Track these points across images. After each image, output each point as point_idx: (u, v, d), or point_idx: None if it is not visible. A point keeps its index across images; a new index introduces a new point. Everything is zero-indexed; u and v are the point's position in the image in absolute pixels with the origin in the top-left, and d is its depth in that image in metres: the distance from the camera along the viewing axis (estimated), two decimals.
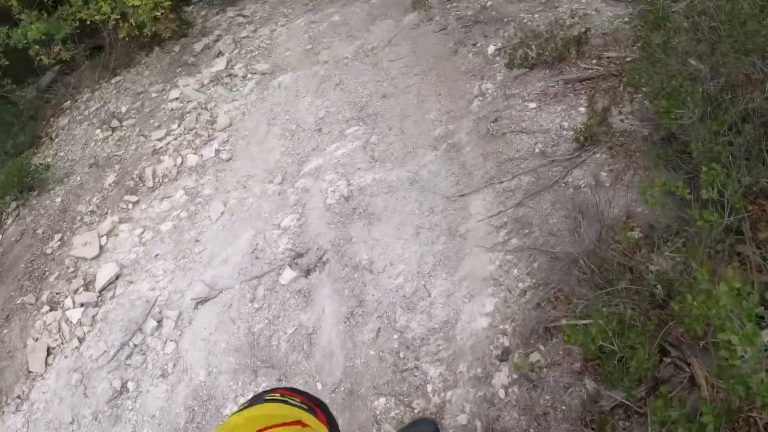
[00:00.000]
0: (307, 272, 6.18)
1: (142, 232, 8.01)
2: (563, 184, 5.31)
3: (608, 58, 6.51)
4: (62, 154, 10.48)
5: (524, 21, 8.27)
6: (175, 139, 9.58)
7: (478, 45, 8.30)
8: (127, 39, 11.26)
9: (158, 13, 10.61)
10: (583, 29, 6.80)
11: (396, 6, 10.50)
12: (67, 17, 11.34)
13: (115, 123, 10.30)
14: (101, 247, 8.13)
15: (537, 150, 5.85)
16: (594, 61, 6.53)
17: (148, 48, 12.52)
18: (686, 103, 4.45)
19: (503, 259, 5.28)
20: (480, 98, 7.29)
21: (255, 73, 10.67)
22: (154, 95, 11.02)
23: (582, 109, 6.02)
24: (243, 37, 12.04)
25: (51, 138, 11.37)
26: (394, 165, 6.97)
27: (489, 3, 8.92)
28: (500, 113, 6.61)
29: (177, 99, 10.50)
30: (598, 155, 5.29)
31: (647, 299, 4.05)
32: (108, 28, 11.39)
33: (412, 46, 9.02)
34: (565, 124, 5.99)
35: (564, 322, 4.38)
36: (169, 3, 10.72)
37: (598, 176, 5.12)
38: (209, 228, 7.54)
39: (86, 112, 11.26)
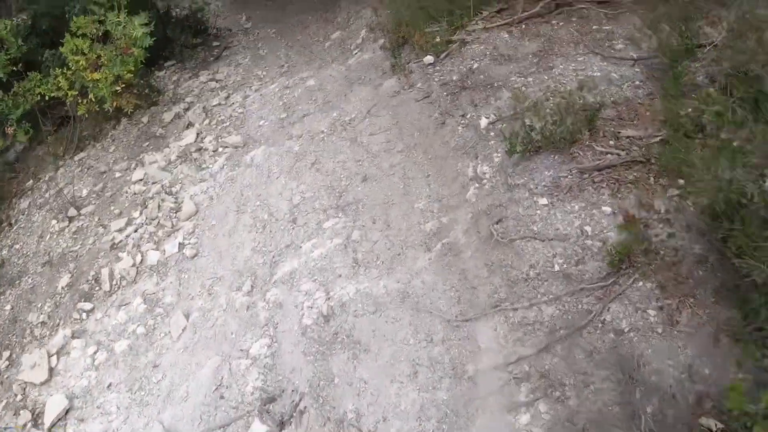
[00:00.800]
0: (281, 425, 4.74)
1: (95, 352, 6.53)
2: (599, 324, 3.87)
3: (628, 138, 5.17)
4: (18, 246, 8.98)
5: (517, 86, 6.97)
6: (136, 230, 8.12)
7: (468, 116, 6.91)
8: (86, 116, 9.89)
9: (118, 88, 9.25)
10: (596, 104, 5.48)
11: (373, 69, 9.19)
12: (25, 93, 9.98)
13: (72, 212, 8.81)
14: (51, 370, 6.62)
15: (557, 267, 4.43)
16: (611, 143, 5.17)
17: (115, 119, 11.13)
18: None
19: None
20: (476, 184, 5.92)
21: (226, 147, 9.30)
22: (117, 175, 9.60)
23: (606, 209, 4.64)
24: (215, 105, 10.67)
25: (10, 224, 9.89)
26: (380, 271, 5.56)
27: (475, 65, 7.55)
28: (504, 210, 5.23)
29: (141, 180, 9.09)
30: (640, 283, 3.93)
31: None
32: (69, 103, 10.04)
33: (393, 116, 7.64)
34: (588, 229, 4.60)
35: None
36: (131, 76, 9.37)
37: (646, 316, 3.76)
38: (169, 349, 6.08)
39: (47, 195, 9.78)
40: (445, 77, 7.69)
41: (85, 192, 9.48)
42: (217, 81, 11.75)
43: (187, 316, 6.27)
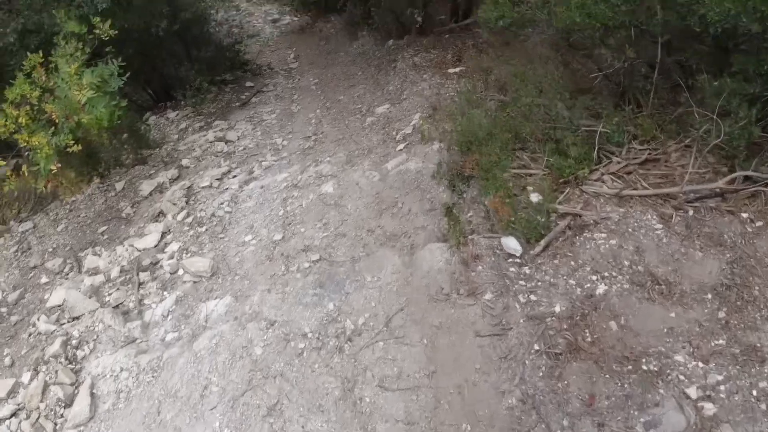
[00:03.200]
0: None
1: None
2: None
3: None
4: None
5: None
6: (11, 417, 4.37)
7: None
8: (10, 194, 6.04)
9: (53, 168, 5.36)
10: None
11: (417, 197, 4.96)
12: None
13: None
14: None
15: None
16: None
17: (87, 172, 7.30)
18: None
19: None
20: None
21: (185, 276, 5.37)
22: (42, 281, 5.79)
23: None
24: (204, 187, 6.67)
25: None
26: None
27: (600, 289, 3.26)
28: None
29: (56, 310, 5.26)
30: None
31: None
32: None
33: (429, 349, 3.35)
34: None
35: None
36: (76, 148, 5.44)
37: None
38: None
39: None
40: (539, 300, 3.36)
41: None
42: (226, 143, 7.76)
43: None
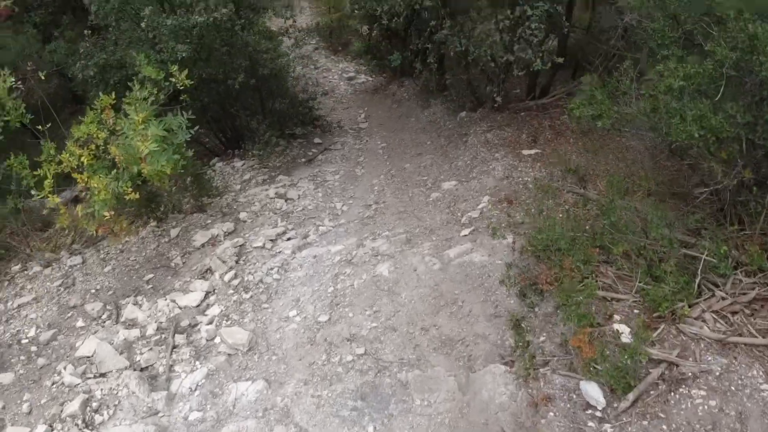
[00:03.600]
0: None
1: None
2: None
3: None
4: None
5: None
6: None
7: None
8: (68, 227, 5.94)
9: (107, 214, 5.21)
10: None
11: (480, 297, 4.45)
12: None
13: None
14: None
15: None
16: None
17: (145, 215, 7.20)
18: None
19: None
20: None
21: (220, 347, 5.00)
22: (78, 324, 5.56)
23: None
24: (256, 247, 6.36)
25: None
26: None
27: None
28: None
29: (84, 362, 4.96)
30: None
31: None
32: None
33: None
34: None
35: None
36: (135, 197, 5.23)
37: None
38: None
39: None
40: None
41: (31, 334, 5.53)
42: (286, 200, 7.53)
43: None
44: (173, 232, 6.89)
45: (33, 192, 5.09)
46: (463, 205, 6.53)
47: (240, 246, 6.31)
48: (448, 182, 7.28)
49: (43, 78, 5.47)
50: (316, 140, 9.87)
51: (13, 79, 5.03)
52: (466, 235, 5.71)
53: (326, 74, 13.79)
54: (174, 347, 4.95)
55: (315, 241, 6.39)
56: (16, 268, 6.64)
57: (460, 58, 8.62)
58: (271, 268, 5.82)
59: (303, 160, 9.00)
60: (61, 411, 4.39)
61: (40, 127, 5.51)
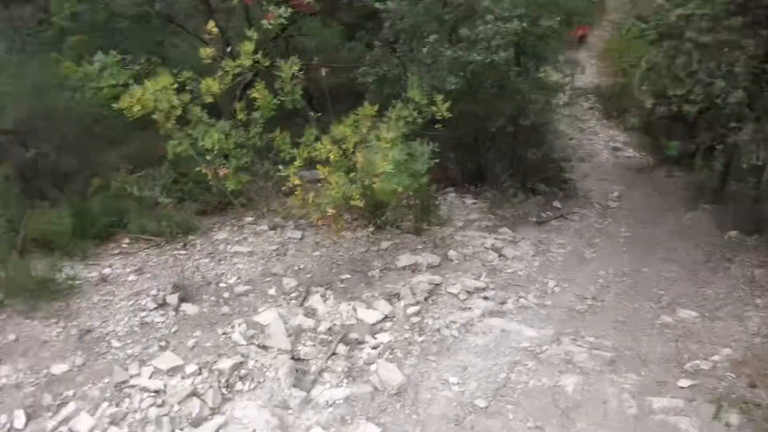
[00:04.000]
0: None
1: None
2: None
3: None
4: None
5: None
6: None
7: None
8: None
9: (330, 211, 5.37)
10: None
11: None
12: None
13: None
14: None
15: None
16: None
17: (367, 218, 7.45)
18: None
19: None
20: None
21: (374, 375, 4.56)
22: (251, 295, 5.94)
23: None
24: (446, 293, 5.99)
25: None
26: None
27: None
28: None
29: (253, 329, 5.12)
30: None
31: None
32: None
33: None
34: None
35: None
36: (360, 203, 5.31)
37: None
38: None
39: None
40: None
41: (231, 281, 6.10)
42: (500, 256, 7.06)
43: None
44: (384, 245, 7.02)
45: (281, 167, 5.60)
46: (694, 347, 5.31)
47: (435, 285, 6.10)
48: (686, 310, 6.04)
49: (323, 75, 5.99)
50: (556, 203, 9.22)
51: (297, 68, 5.58)
52: (683, 388, 4.60)
53: (592, 137, 12.89)
54: (333, 354, 4.97)
55: (511, 312, 5.85)
56: (249, 219, 7.49)
57: (754, 171, 7.16)
58: (454, 322, 5.48)
59: (534, 219, 8.46)
60: (215, 362, 4.71)
61: (312, 113, 6.05)
